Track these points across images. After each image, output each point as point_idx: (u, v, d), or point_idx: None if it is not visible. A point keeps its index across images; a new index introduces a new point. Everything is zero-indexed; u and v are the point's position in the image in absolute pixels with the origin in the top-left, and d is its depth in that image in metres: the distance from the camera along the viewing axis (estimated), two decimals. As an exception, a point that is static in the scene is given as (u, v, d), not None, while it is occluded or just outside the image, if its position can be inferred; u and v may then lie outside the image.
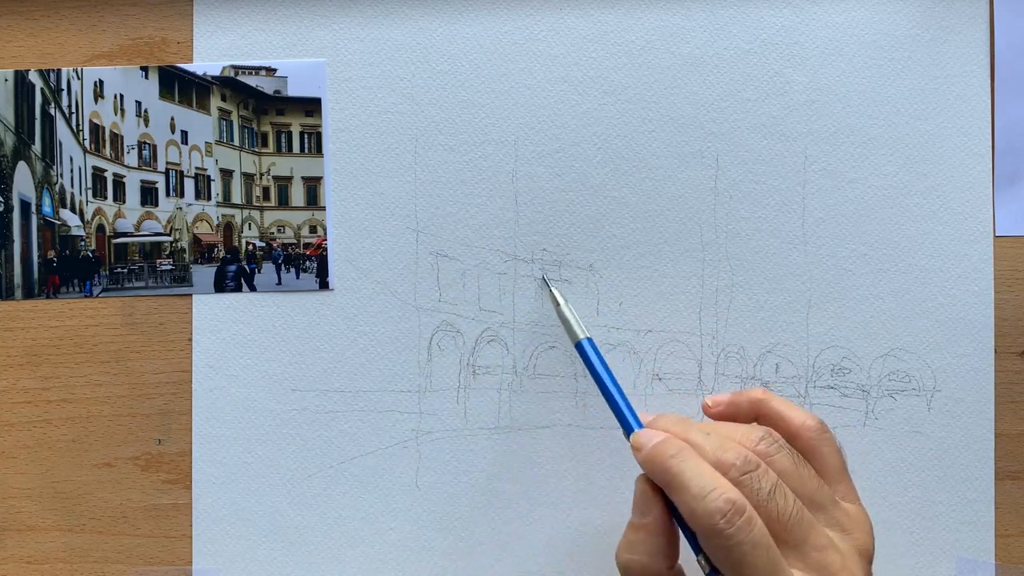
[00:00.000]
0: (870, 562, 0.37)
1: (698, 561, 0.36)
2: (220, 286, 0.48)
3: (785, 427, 0.39)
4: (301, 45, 0.47)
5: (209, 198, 0.48)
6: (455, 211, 0.47)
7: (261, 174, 0.48)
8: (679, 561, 0.37)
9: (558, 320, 0.45)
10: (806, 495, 0.36)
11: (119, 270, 0.48)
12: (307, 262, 0.48)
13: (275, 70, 0.47)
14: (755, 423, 0.40)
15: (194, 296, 0.47)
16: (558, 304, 0.44)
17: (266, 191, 0.48)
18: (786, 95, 0.46)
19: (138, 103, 0.48)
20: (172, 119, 0.48)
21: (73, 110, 0.48)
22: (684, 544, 0.37)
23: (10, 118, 0.48)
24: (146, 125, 0.48)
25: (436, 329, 0.47)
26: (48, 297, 0.48)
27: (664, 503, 0.36)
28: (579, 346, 0.43)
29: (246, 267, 0.48)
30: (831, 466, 0.38)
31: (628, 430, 0.39)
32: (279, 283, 0.48)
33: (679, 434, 0.37)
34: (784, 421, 0.39)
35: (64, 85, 0.48)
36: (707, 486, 0.34)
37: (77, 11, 0.48)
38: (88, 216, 0.48)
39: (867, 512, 0.38)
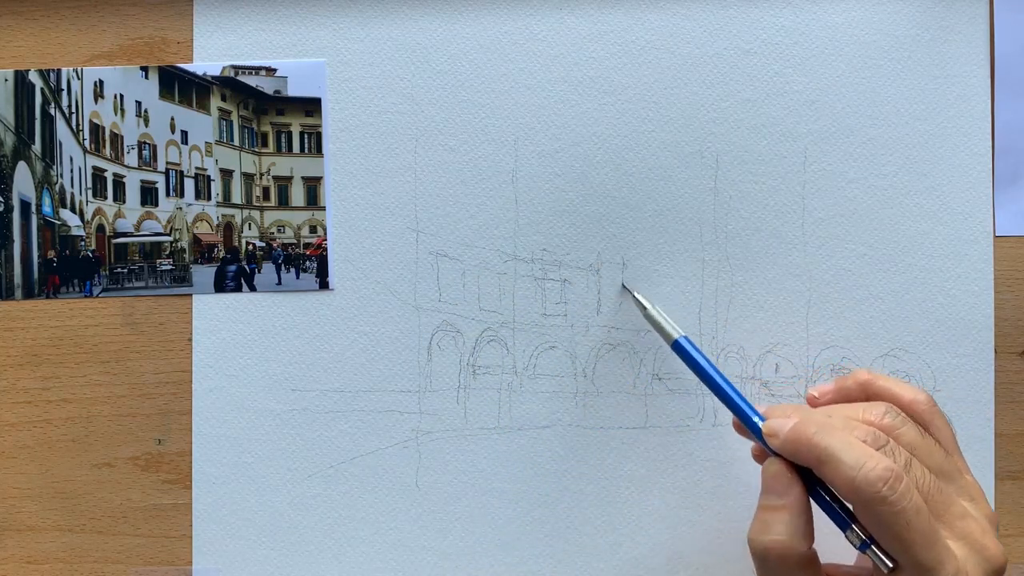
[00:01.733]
0: (997, 529, 0.37)
1: (846, 536, 0.36)
2: (220, 286, 0.48)
3: (896, 404, 0.39)
4: (301, 45, 0.47)
5: (209, 198, 0.48)
6: (455, 211, 0.47)
7: (261, 174, 0.48)
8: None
9: (647, 324, 0.45)
10: (935, 466, 0.36)
11: (119, 270, 0.48)
12: (307, 262, 0.48)
13: (275, 70, 0.47)
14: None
15: (194, 296, 0.47)
16: (645, 309, 0.44)
17: (266, 191, 0.48)
18: (786, 95, 0.46)
19: (138, 103, 0.48)
20: (172, 119, 0.48)
21: (73, 110, 0.48)
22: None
23: (10, 118, 0.48)
24: (146, 125, 0.48)
25: (436, 329, 0.47)
26: (48, 297, 0.48)
27: (802, 482, 0.37)
28: (676, 345, 0.43)
29: (246, 267, 0.48)
30: (945, 439, 0.39)
31: (747, 421, 0.40)
32: (279, 283, 0.48)
33: (796, 416, 0.37)
34: (895, 398, 0.39)
35: (64, 85, 0.48)
36: (861, 456, 0.34)
37: (77, 11, 0.48)
38: (88, 216, 0.48)
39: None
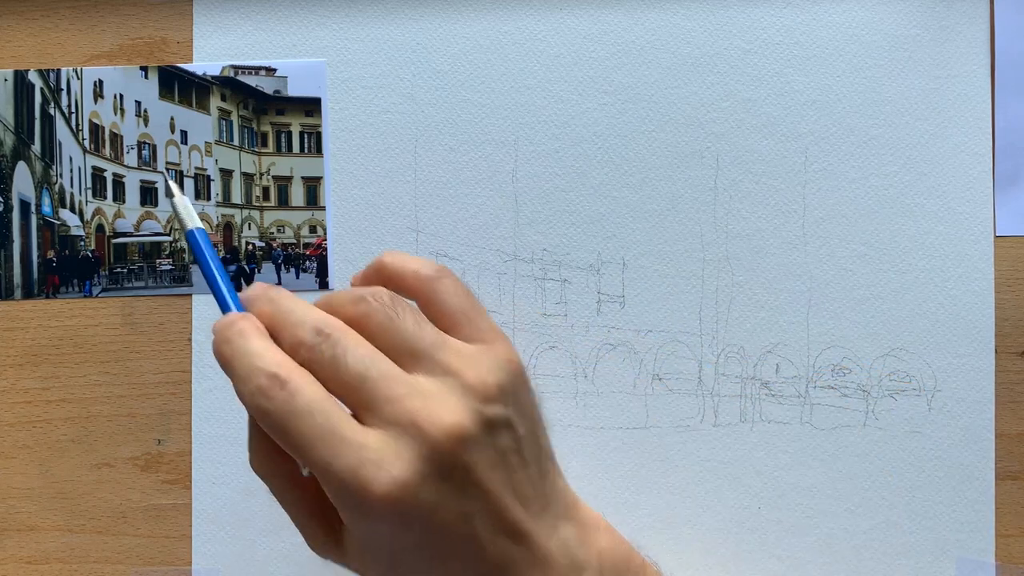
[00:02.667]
0: (498, 393, 0.33)
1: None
2: (220, 286, 0.48)
3: (402, 282, 0.36)
4: (301, 45, 0.47)
5: (209, 198, 0.48)
6: (455, 211, 0.47)
7: (261, 174, 0.48)
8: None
9: (173, 212, 0.40)
10: (403, 348, 0.33)
11: (119, 270, 0.48)
12: (307, 262, 0.48)
13: (275, 70, 0.47)
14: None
15: (194, 296, 0.47)
16: (172, 196, 0.39)
17: (266, 191, 0.48)
18: (786, 95, 0.46)
19: (138, 103, 0.48)
20: (172, 119, 0.48)
21: (73, 110, 0.48)
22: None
23: (10, 118, 0.48)
24: (146, 125, 0.48)
25: (436, 329, 0.47)
26: (48, 297, 0.48)
27: None
28: (190, 235, 0.38)
29: (246, 267, 0.48)
30: (448, 309, 0.36)
31: (224, 308, 0.36)
32: (279, 283, 0.48)
33: (263, 309, 0.34)
34: (399, 278, 0.36)
35: (64, 85, 0.48)
36: (251, 366, 0.32)
37: (77, 11, 0.48)
38: (88, 216, 0.48)
39: (502, 344, 0.35)
